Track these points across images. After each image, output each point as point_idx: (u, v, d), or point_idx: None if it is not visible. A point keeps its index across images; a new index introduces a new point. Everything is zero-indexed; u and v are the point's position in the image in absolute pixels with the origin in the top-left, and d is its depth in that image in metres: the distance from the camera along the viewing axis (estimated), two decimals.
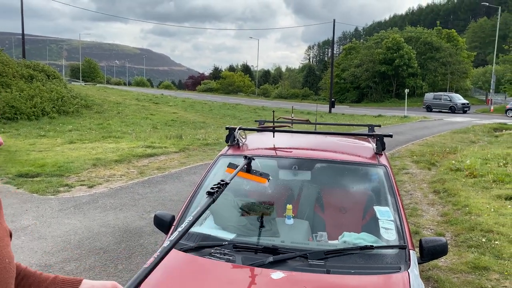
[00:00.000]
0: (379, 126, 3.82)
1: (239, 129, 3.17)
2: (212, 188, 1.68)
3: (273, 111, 3.48)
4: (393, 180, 2.69)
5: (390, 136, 2.96)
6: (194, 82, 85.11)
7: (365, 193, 2.78)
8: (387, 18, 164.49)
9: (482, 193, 7.39)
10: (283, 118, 4.18)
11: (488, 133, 19.52)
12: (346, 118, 30.16)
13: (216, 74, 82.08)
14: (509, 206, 6.47)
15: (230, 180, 1.82)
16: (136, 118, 23.23)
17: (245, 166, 2.25)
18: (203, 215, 2.69)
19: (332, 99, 38.10)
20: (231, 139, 3.16)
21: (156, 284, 2.07)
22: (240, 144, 3.14)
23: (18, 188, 7.44)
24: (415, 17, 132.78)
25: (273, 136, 3.25)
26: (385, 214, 2.45)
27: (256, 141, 3.28)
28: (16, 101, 19.26)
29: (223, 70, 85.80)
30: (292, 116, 4.10)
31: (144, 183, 8.03)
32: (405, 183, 8.80)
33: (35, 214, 5.92)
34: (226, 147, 3.19)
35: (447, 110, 37.59)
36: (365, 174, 2.84)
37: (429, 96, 40.91)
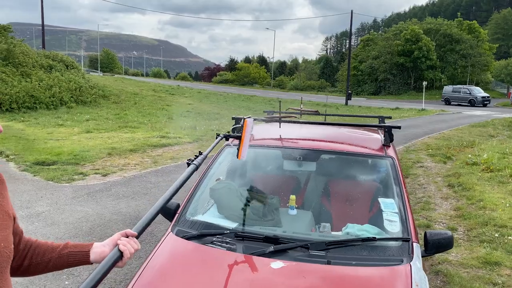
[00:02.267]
0: (390, 117, 3.76)
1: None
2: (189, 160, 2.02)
3: (280, 101, 3.46)
4: (400, 172, 2.66)
5: (398, 127, 2.92)
6: (210, 73, 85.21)
7: (370, 184, 2.75)
8: (407, 9, 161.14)
9: (498, 188, 7.25)
10: (292, 109, 4.16)
11: (508, 127, 19.03)
12: (362, 110, 29.86)
13: (232, 65, 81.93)
14: None
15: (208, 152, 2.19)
16: (152, 108, 23.41)
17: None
18: (208, 204, 2.72)
19: (349, 91, 37.66)
20: (237, 129, 3.16)
21: (158, 269, 2.10)
22: None
23: (34, 176, 7.61)
24: (436, 8, 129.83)
25: (280, 127, 3.23)
26: (389, 206, 2.43)
27: (262, 132, 3.27)
28: (35, 90, 19.61)
29: (239, 61, 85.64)
30: (302, 107, 4.07)
31: (157, 172, 8.12)
32: (419, 176, 8.68)
33: (49, 201, 6.06)
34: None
35: (466, 104, 36.82)
36: (371, 166, 2.81)
37: (448, 89, 40.12)
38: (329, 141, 2.98)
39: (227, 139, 2.39)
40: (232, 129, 3.22)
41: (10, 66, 20.57)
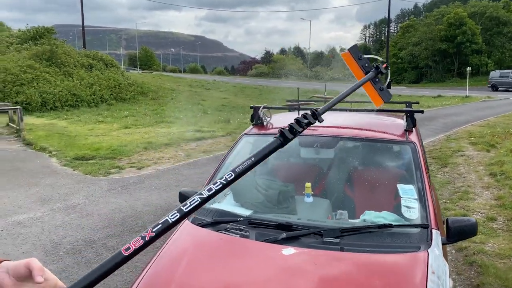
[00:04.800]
0: (417, 103, 3.62)
1: (264, 108, 3.14)
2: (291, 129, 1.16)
3: (298, 88, 3.40)
4: (422, 158, 2.54)
5: (421, 112, 2.80)
6: (245, 67, 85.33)
7: (390, 171, 2.66)
8: None
9: None
10: (316, 96, 4.09)
11: None
12: (402, 99, 28.91)
13: (267, 58, 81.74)
14: None
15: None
16: (189, 103, 23.78)
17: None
18: (224, 193, 2.72)
19: (388, 80, 36.54)
20: (256, 118, 3.14)
21: (172, 256, 2.14)
22: (265, 123, 3.11)
23: (74, 170, 7.94)
24: None
25: (299, 114, 3.18)
26: (408, 193, 2.33)
27: (280, 120, 3.24)
28: (77, 89, 20.46)
29: (275, 54, 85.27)
30: (325, 94, 3.99)
31: (189, 165, 8.26)
32: (459, 165, 8.33)
33: (85, 193, 6.31)
34: (250, 126, 3.18)
35: None
36: (392, 152, 2.71)
37: (494, 74, 38.07)
38: (348, 128, 2.90)
39: None
40: (251, 117, 3.22)
41: (53, 66, 21.53)
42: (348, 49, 1.75)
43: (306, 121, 1.22)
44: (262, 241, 2.13)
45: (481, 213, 5.42)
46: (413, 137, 2.71)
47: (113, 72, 24.94)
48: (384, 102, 1.64)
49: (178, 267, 2.04)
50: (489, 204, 5.83)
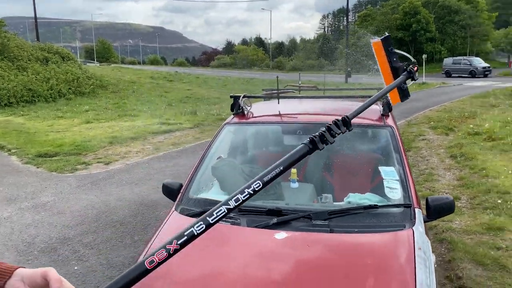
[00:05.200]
0: None
1: (244, 97, 3.16)
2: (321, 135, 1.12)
3: (277, 77, 3.43)
4: (399, 141, 2.66)
5: None
6: (207, 58, 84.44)
7: (370, 154, 2.76)
8: None
9: (500, 156, 7.26)
10: (291, 85, 4.14)
11: (510, 96, 18.94)
12: (367, 86, 29.64)
13: (229, 48, 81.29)
14: None
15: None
16: (151, 96, 23.32)
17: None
18: (210, 182, 2.72)
19: (348, 69, 37.31)
20: (236, 108, 3.15)
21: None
22: (245, 112, 3.13)
23: (38, 168, 7.64)
24: None
25: (278, 103, 3.23)
26: (390, 174, 2.44)
27: (261, 109, 3.27)
28: (32, 84, 19.55)
29: (236, 44, 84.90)
30: (300, 83, 4.05)
31: (159, 158, 8.15)
32: (422, 149, 8.69)
33: (54, 191, 6.10)
34: (231, 116, 3.19)
35: (467, 75, 36.52)
36: (371, 136, 2.81)
37: (448, 61, 39.76)
38: (328, 114, 2.97)
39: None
40: (231, 106, 3.22)
41: (6, 61, 20.45)
42: (381, 39, 1.73)
43: (338, 131, 1.16)
44: (253, 227, 2.16)
45: (446, 193, 5.70)
46: (390, 121, 2.82)
47: (70, 66, 24.00)
48: (401, 101, 1.68)
49: (172, 258, 2.03)
50: (452, 184, 6.14)
